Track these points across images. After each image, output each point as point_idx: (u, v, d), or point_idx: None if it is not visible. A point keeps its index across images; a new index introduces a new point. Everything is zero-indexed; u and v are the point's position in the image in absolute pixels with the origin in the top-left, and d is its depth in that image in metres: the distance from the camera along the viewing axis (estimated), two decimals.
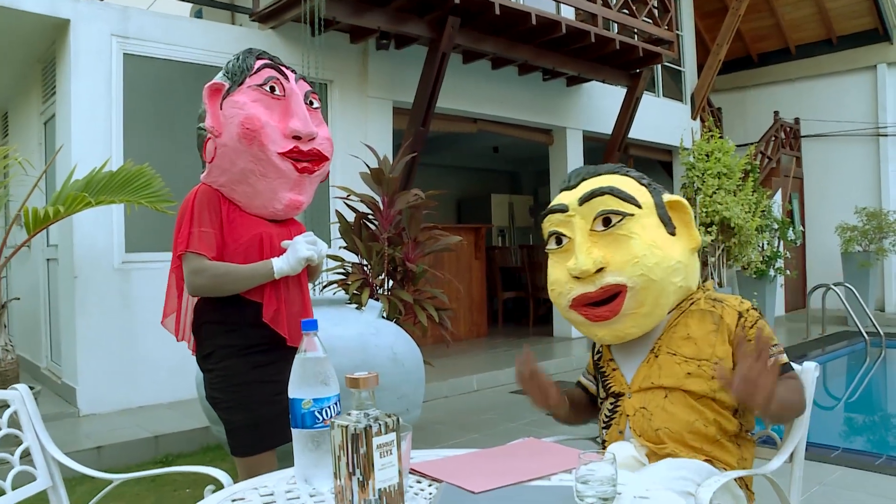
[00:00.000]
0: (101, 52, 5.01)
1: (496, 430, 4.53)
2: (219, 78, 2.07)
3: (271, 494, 1.36)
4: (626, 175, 1.78)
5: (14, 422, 1.79)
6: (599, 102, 8.88)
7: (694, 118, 10.59)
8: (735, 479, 1.64)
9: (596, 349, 1.95)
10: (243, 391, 2.03)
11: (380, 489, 1.15)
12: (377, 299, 4.12)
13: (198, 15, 7.44)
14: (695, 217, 8.31)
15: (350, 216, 4.47)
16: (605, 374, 1.87)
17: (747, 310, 1.72)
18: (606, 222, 1.68)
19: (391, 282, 4.43)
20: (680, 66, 10.61)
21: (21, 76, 6.21)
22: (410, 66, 6.49)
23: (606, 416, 1.82)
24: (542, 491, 1.33)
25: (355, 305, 3.88)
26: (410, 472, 1.45)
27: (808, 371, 1.97)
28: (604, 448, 1.78)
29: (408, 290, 4.35)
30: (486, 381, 6.17)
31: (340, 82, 6.31)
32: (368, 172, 4.28)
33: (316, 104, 2.15)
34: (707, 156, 8.66)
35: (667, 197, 1.77)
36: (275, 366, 2.03)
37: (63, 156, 4.95)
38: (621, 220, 1.67)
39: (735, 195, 8.57)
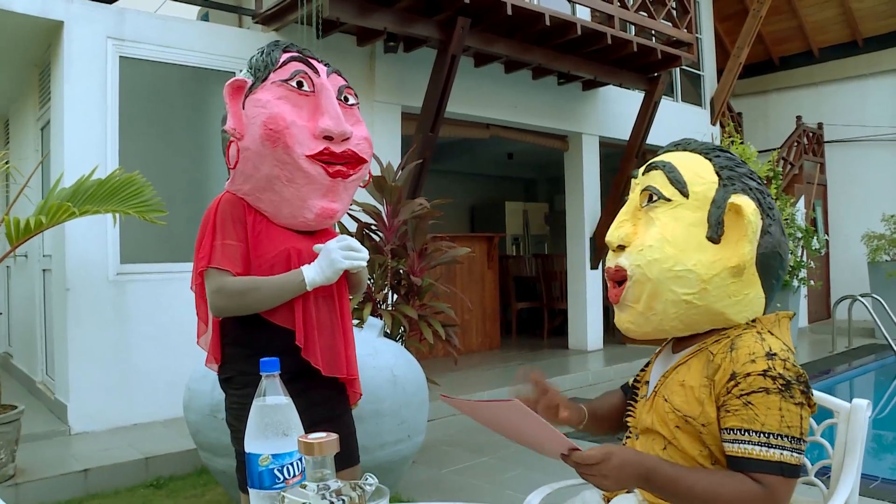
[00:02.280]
0: (96, 55, 4.82)
1: (506, 453, 4.26)
2: (242, 74, 1.90)
3: None
4: (711, 159, 1.52)
5: None
6: (616, 107, 8.61)
7: (714, 123, 10.28)
8: None
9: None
10: None
11: None
12: (380, 315, 3.88)
13: (204, 18, 7.27)
14: None
15: (352, 226, 4.25)
16: (636, 392, 1.62)
17: (747, 374, 1.29)
18: (649, 199, 1.51)
19: (395, 296, 4.19)
20: (699, 69, 10.31)
21: (19, 81, 6.06)
22: (419, 69, 6.26)
23: None
24: None
25: (356, 322, 3.65)
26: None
27: (859, 409, 1.71)
28: None
29: (413, 304, 4.11)
30: (499, 396, 5.89)
31: None
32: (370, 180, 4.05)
33: (352, 100, 1.94)
34: None
35: (734, 199, 1.44)
36: (300, 398, 1.82)
37: (58, 163, 4.77)
38: (656, 201, 1.50)
39: None
